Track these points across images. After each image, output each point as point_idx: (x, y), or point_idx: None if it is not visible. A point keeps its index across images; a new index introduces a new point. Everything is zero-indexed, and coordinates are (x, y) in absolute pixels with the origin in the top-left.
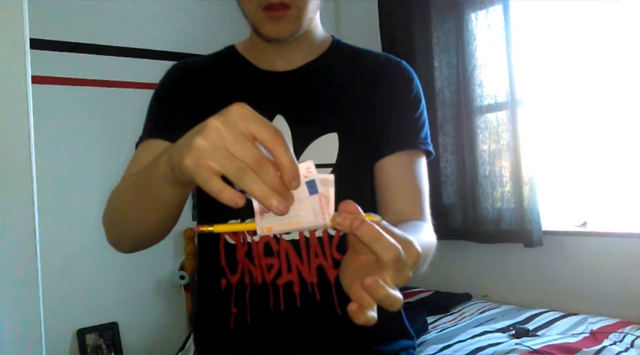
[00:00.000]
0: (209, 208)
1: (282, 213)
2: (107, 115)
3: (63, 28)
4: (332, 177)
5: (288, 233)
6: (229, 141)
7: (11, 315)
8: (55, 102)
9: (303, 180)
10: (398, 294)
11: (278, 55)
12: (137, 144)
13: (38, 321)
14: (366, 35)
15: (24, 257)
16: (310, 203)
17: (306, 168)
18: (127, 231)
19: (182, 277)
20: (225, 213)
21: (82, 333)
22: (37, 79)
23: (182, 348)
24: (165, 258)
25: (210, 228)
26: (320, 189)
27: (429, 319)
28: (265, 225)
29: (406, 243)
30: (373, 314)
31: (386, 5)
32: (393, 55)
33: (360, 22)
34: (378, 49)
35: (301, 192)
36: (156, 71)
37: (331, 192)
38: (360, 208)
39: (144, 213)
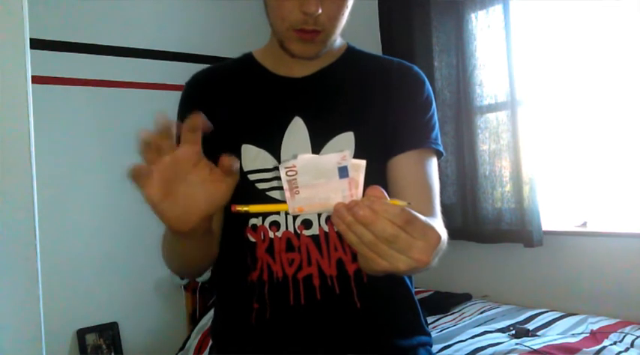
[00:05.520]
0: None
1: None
2: (107, 115)
3: (63, 28)
4: (364, 162)
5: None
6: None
7: (11, 315)
8: (55, 102)
9: (336, 166)
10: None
11: (295, 62)
12: None
13: (38, 321)
14: (366, 35)
15: (24, 257)
16: (340, 186)
17: (342, 156)
18: (181, 271)
19: (182, 277)
20: (247, 215)
21: (82, 333)
22: (37, 79)
23: (182, 348)
24: None
25: (246, 208)
26: (351, 173)
27: (429, 319)
28: (297, 205)
29: (427, 228)
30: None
31: (386, 5)
32: (393, 55)
33: (360, 22)
34: (378, 49)
35: (332, 176)
36: (156, 71)
37: (361, 176)
38: (385, 193)
39: (182, 258)
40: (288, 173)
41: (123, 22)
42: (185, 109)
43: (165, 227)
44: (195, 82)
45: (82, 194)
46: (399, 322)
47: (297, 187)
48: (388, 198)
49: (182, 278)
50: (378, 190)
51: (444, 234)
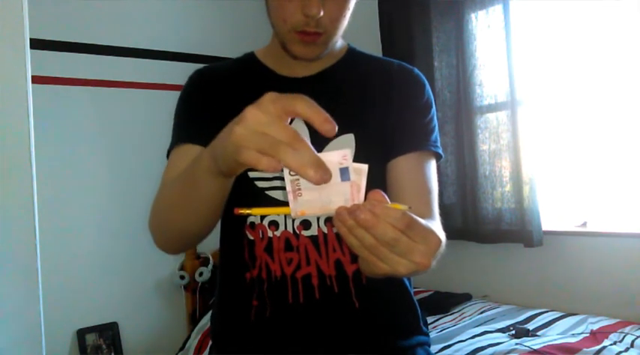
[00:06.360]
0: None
1: (317, 182)
2: (107, 115)
3: (63, 28)
4: (366, 166)
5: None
6: (264, 123)
7: (11, 315)
8: (55, 102)
9: (337, 167)
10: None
11: (297, 62)
12: (169, 151)
13: (38, 321)
14: (366, 35)
15: (24, 257)
16: (342, 189)
17: (343, 156)
18: (176, 231)
19: (182, 277)
20: (246, 215)
21: (82, 333)
22: (37, 79)
23: (182, 348)
24: (165, 258)
25: (249, 211)
26: (352, 176)
27: (429, 319)
28: (299, 208)
29: (428, 232)
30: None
31: (386, 5)
32: (393, 55)
33: (360, 22)
34: (378, 49)
35: (334, 178)
36: (156, 71)
37: (363, 180)
38: (387, 197)
39: (191, 210)
40: (291, 173)
41: (123, 22)
42: (188, 104)
43: (201, 170)
44: (199, 77)
45: (82, 194)
46: (397, 322)
47: (299, 189)
48: (389, 202)
49: (168, 243)
50: (379, 194)
51: (443, 237)
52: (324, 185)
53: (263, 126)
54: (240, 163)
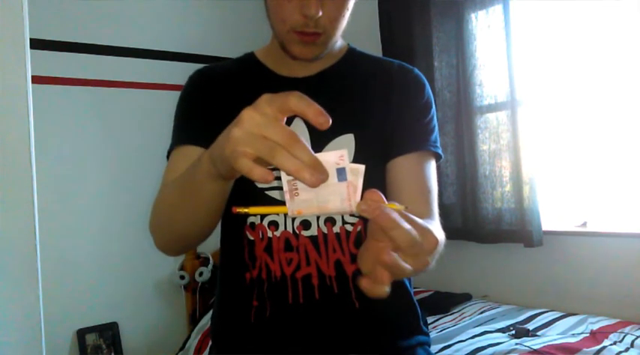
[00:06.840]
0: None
1: (313, 184)
2: (107, 115)
3: (63, 28)
4: (362, 167)
5: (317, 216)
6: (261, 125)
7: (11, 315)
8: (55, 102)
9: (334, 167)
10: (408, 266)
11: (297, 63)
12: (169, 152)
13: (38, 321)
14: (366, 35)
15: (24, 257)
16: (338, 189)
17: (340, 156)
18: (176, 233)
19: (182, 277)
20: (246, 215)
21: (82, 333)
22: (37, 79)
23: (182, 348)
24: (166, 258)
25: (246, 209)
26: (349, 177)
27: (429, 319)
28: (295, 208)
29: (425, 231)
30: (386, 288)
31: (386, 5)
32: (393, 55)
33: (360, 21)
34: (378, 48)
35: (331, 178)
36: (156, 71)
37: (360, 181)
38: (384, 197)
39: (191, 212)
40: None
41: (123, 22)
42: (188, 105)
43: (201, 173)
44: (199, 78)
45: (81, 194)
46: (397, 322)
47: (296, 189)
48: (386, 202)
49: (168, 245)
50: (376, 194)
51: (441, 236)
52: (321, 185)
53: (260, 128)
54: (236, 170)
